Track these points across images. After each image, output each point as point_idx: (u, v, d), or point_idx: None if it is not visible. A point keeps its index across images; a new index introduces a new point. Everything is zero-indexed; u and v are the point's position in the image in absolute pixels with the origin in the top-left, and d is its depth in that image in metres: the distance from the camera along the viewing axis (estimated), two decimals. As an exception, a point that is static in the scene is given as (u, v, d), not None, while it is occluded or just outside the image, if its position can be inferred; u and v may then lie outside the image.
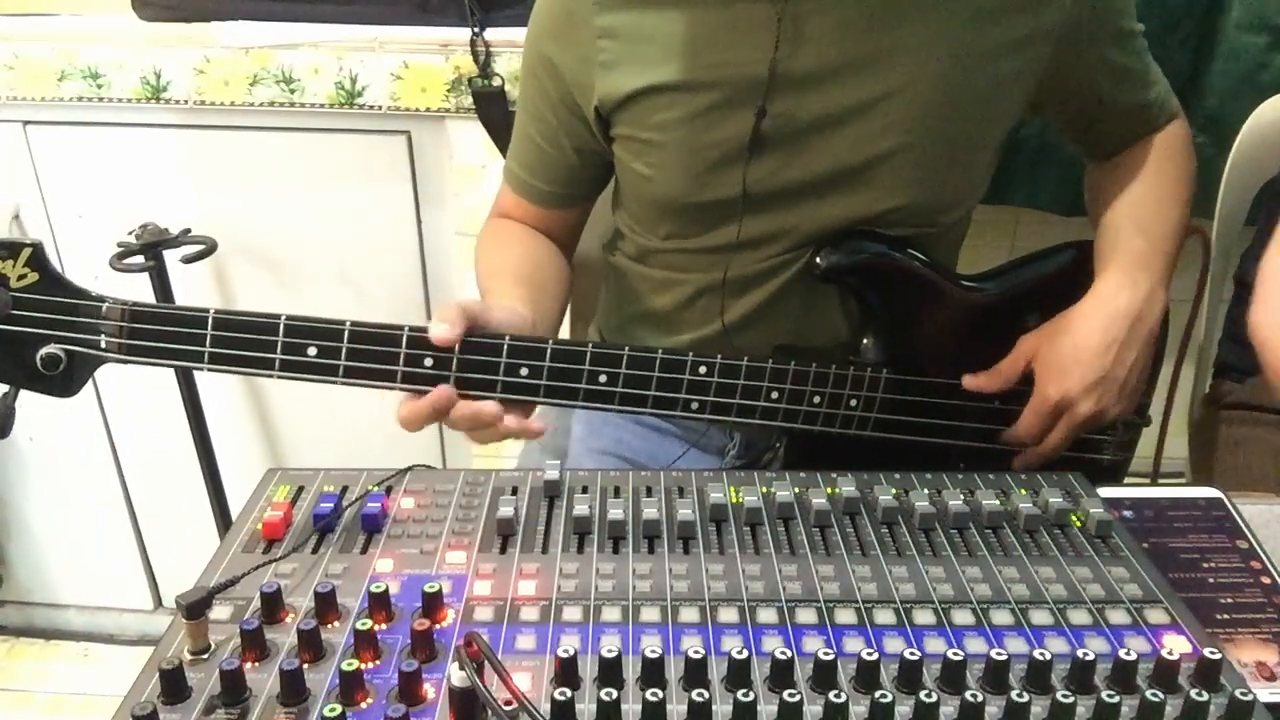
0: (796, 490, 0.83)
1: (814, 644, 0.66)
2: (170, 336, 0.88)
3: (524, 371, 0.92)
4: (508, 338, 0.92)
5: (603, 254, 1.25)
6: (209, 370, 0.89)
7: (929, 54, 0.99)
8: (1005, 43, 1.00)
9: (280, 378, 0.89)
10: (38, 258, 0.85)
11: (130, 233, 1.69)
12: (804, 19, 0.98)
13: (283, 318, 0.88)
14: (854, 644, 0.66)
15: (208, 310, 0.88)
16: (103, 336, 0.87)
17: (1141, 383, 1.08)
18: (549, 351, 0.93)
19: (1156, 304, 1.05)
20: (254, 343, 0.88)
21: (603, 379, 0.95)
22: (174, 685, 0.61)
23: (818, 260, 1.05)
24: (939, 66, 0.99)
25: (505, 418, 0.90)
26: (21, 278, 0.84)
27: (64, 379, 0.87)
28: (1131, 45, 1.10)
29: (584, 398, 0.95)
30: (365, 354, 0.89)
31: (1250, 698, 0.61)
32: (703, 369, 0.96)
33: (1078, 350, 1.02)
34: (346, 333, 0.88)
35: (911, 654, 0.62)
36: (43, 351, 0.86)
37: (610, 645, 0.63)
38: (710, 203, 1.05)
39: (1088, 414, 1.03)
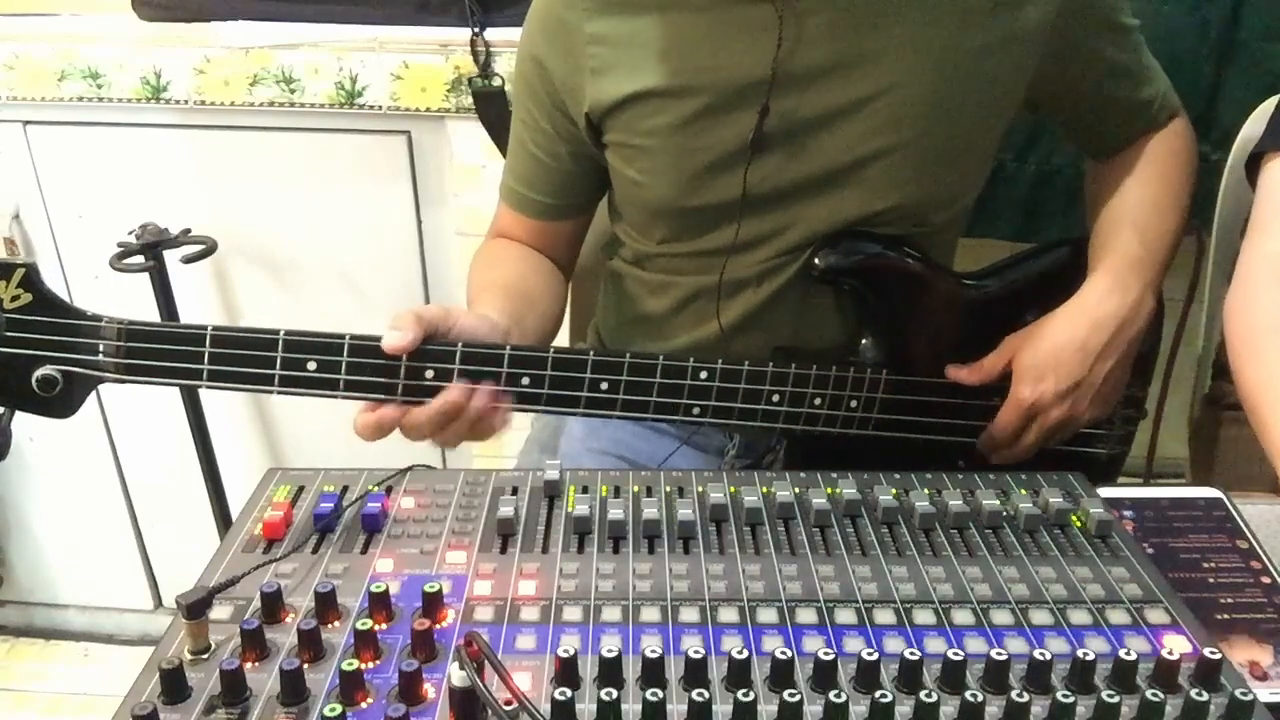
0: (797, 490, 0.83)
1: (814, 644, 0.66)
2: (168, 355, 0.86)
3: (525, 381, 0.92)
4: (509, 347, 0.91)
5: (601, 258, 1.25)
6: (208, 387, 0.88)
7: (920, 53, 0.99)
8: (995, 40, 1.00)
9: (280, 393, 0.89)
10: (31, 278, 0.83)
11: (130, 233, 1.70)
12: (803, 17, 0.98)
13: (281, 333, 0.87)
14: (854, 644, 0.66)
15: (205, 327, 0.86)
16: (100, 356, 0.85)
17: (1119, 389, 1.07)
18: (550, 360, 0.92)
19: (1144, 309, 1.05)
20: (253, 359, 0.87)
21: (604, 386, 0.94)
22: (174, 685, 0.61)
23: (816, 261, 1.05)
24: (929, 65, 0.99)
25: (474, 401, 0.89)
26: (15, 299, 0.83)
27: (61, 400, 0.86)
28: (1126, 41, 1.09)
29: (586, 405, 0.94)
30: (366, 367, 0.88)
31: (1250, 698, 0.61)
32: (704, 374, 0.96)
33: (1057, 354, 1.02)
34: (346, 346, 0.88)
35: (911, 654, 0.62)
36: (39, 373, 0.84)
37: (610, 645, 0.63)
38: (705, 206, 1.05)
39: (1059, 419, 1.03)
